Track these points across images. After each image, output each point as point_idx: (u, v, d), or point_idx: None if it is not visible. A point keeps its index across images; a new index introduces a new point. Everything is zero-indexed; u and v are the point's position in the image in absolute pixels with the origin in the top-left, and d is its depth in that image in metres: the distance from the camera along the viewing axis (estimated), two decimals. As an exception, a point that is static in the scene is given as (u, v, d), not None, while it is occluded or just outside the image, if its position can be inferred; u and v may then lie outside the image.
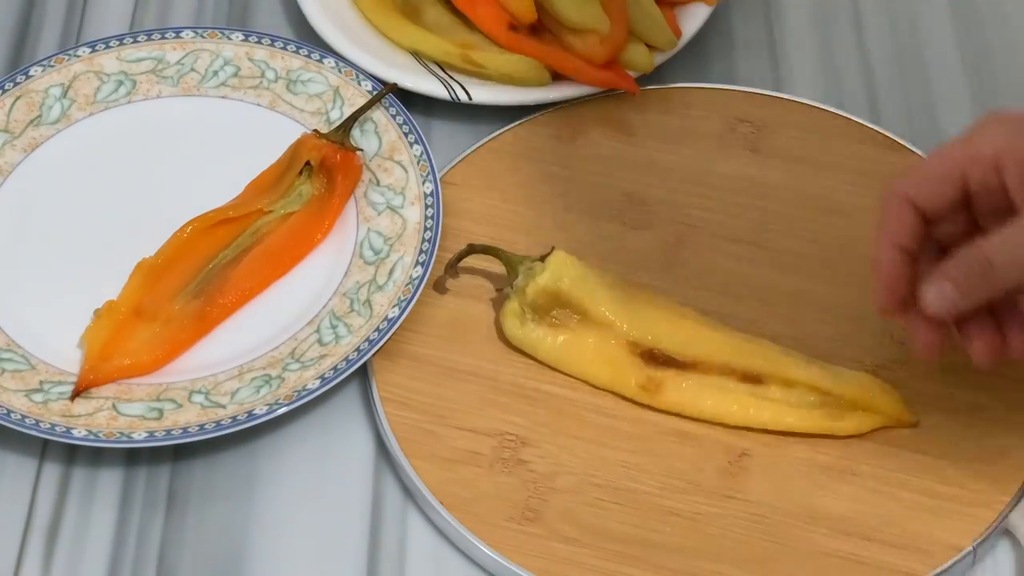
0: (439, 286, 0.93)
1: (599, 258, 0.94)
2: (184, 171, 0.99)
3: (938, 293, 0.79)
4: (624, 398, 0.88)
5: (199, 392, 0.88)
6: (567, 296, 0.89)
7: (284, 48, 1.03)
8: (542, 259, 0.90)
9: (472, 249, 0.90)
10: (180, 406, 0.87)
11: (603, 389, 0.88)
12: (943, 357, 0.83)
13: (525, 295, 0.89)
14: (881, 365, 0.89)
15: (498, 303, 0.91)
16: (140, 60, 1.02)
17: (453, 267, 0.90)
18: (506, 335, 0.90)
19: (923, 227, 0.81)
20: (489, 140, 1.00)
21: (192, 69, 1.02)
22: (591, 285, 0.89)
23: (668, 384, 0.87)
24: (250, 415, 0.86)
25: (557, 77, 1.02)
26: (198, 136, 1.00)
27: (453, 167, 0.99)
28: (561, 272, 0.89)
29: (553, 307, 0.89)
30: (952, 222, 0.81)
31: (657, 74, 1.03)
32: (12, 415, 0.86)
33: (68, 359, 0.89)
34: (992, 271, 0.78)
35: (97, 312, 0.90)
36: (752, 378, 0.87)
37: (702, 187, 0.98)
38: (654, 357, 0.88)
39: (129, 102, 1.01)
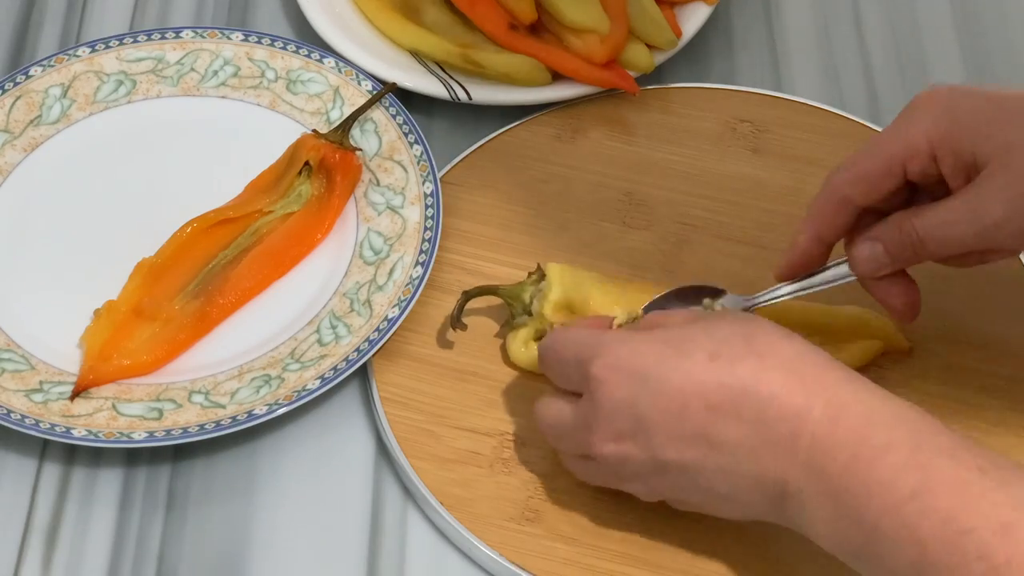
0: (439, 286, 0.93)
1: (599, 258, 0.94)
2: (184, 171, 0.99)
3: (870, 253, 0.83)
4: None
5: (199, 392, 0.88)
6: (574, 305, 0.89)
7: (284, 48, 1.02)
8: (539, 279, 0.89)
9: (468, 296, 0.89)
10: (180, 406, 0.87)
11: None
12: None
13: (545, 315, 0.88)
14: (882, 365, 0.89)
15: (497, 312, 0.91)
16: (140, 60, 1.02)
17: (459, 321, 0.89)
18: (515, 361, 0.89)
19: (854, 219, 0.84)
20: (489, 140, 1.00)
21: (192, 69, 1.02)
22: (585, 291, 0.89)
23: None
24: (250, 415, 0.86)
25: (557, 77, 1.02)
26: (198, 136, 1.00)
27: (453, 167, 0.99)
28: (564, 281, 0.89)
29: (567, 319, 0.89)
30: (891, 200, 0.83)
31: (657, 74, 1.03)
32: (12, 415, 0.86)
33: (68, 359, 0.89)
34: (921, 245, 0.81)
35: (97, 312, 0.90)
36: None
37: (702, 187, 0.98)
38: None
39: (129, 102, 1.01)
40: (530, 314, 0.89)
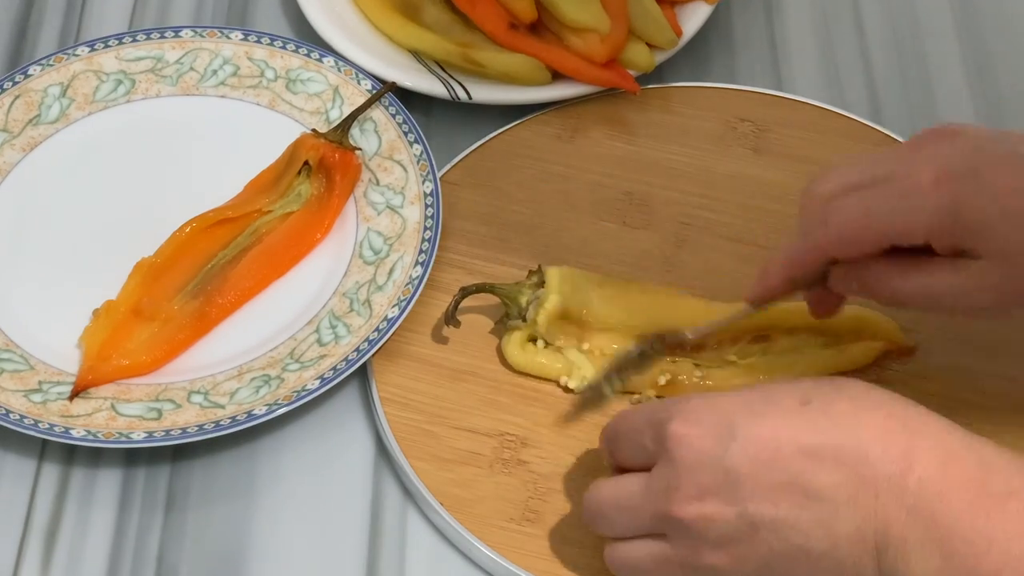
0: (439, 286, 0.93)
1: (599, 258, 0.94)
2: (183, 171, 0.99)
3: (845, 284, 0.81)
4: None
5: (198, 392, 0.88)
6: (571, 312, 0.89)
7: (283, 47, 1.02)
8: (538, 284, 0.89)
9: (465, 292, 0.89)
10: (179, 406, 0.87)
11: (626, 394, 0.88)
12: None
13: (538, 324, 0.88)
14: (883, 365, 0.89)
15: (496, 309, 0.91)
16: (139, 59, 1.02)
17: (452, 318, 0.88)
18: (512, 363, 0.89)
19: (827, 267, 0.82)
20: (489, 140, 1.00)
21: (191, 68, 1.02)
22: (584, 295, 0.89)
23: (683, 374, 0.88)
24: (249, 415, 0.86)
25: (557, 76, 1.02)
26: (197, 136, 1.00)
27: (453, 167, 0.99)
28: (562, 289, 0.89)
29: (562, 327, 0.89)
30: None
31: (657, 73, 1.03)
32: (11, 415, 0.86)
33: (67, 359, 0.89)
34: (901, 300, 0.80)
35: (96, 312, 0.90)
36: (761, 338, 0.89)
37: (702, 187, 0.98)
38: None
39: (128, 101, 1.01)
40: (524, 319, 0.89)
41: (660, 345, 0.85)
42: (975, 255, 0.77)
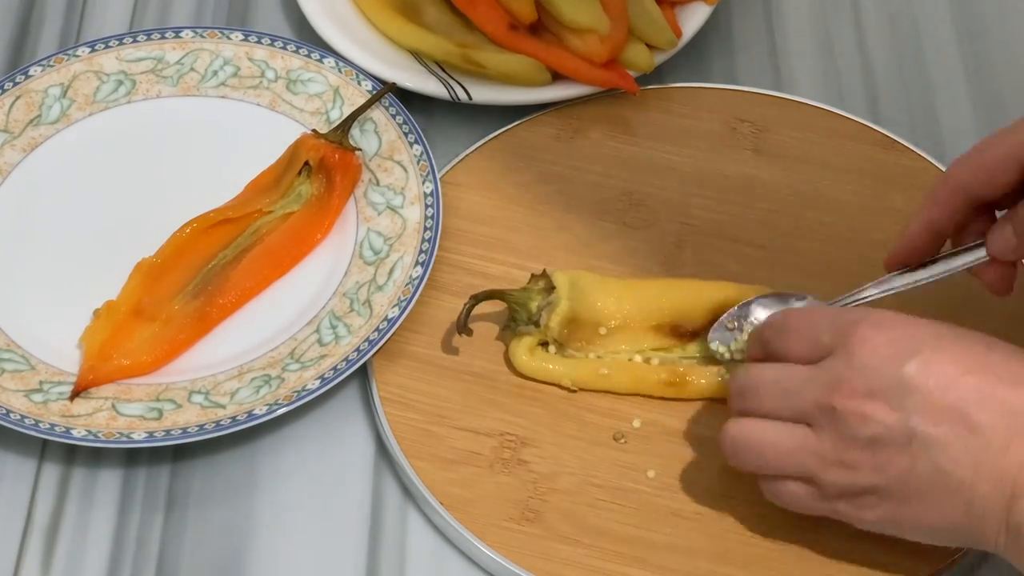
0: (439, 286, 0.93)
1: (599, 258, 0.94)
2: (184, 171, 0.99)
3: (999, 234, 0.83)
4: (651, 397, 0.88)
5: (199, 392, 0.88)
6: (581, 315, 0.89)
7: (284, 48, 1.02)
8: (546, 289, 0.89)
9: (476, 300, 0.88)
10: (180, 406, 0.87)
11: (628, 394, 0.88)
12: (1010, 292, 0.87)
13: (551, 330, 0.88)
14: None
15: (499, 314, 0.91)
16: (140, 60, 1.02)
17: (465, 327, 0.88)
18: (520, 369, 0.89)
19: (970, 211, 0.84)
20: (489, 140, 1.00)
21: (192, 69, 1.02)
22: (592, 295, 0.89)
23: (691, 374, 0.88)
24: (250, 415, 0.86)
25: (557, 77, 1.02)
26: (198, 136, 1.00)
27: (453, 167, 0.99)
28: (571, 293, 0.89)
29: (573, 330, 0.89)
30: (1010, 195, 0.83)
31: (657, 74, 1.03)
32: (12, 415, 0.86)
33: (68, 359, 0.89)
34: None
35: (96, 312, 0.90)
36: None
37: (702, 187, 0.98)
38: (678, 330, 0.89)
39: (129, 102, 1.01)
40: (536, 324, 0.88)
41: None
42: None
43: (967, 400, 0.74)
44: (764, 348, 0.81)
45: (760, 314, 0.88)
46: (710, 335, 0.88)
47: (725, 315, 0.89)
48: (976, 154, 0.83)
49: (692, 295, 0.90)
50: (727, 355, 0.88)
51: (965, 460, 0.74)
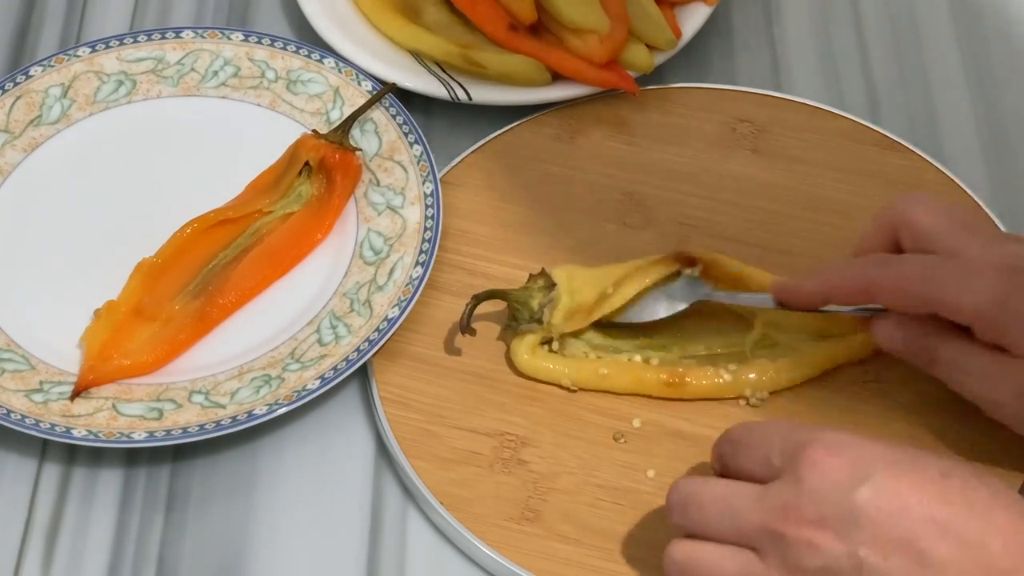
0: (439, 286, 0.93)
1: (599, 258, 0.94)
2: (184, 171, 0.99)
3: (888, 333, 0.85)
4: (651, 397, 0.88)
5: (199, 392, 0.88)
6: (583, 307, 0.89)
7: (284, 48, 1.03)
8: (546, 286, 0.89)
9: (478, 300, 0.88)
10: (180, 406, 0.87)
11: (628, 394, 0.88)
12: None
13: (555, 326, 0.88)
14: (882, 365, 0.89)
15: (500, 313, 0.91)
16: (140, 60, 1.02)
17: (468, 327, 0.88)
18: (521, 368, 0.89)
19: (863, 303, 0.85)
20: (489, 140, 1.00)
21: (192, 69, 1.02)
22: (591, 287, 0.89)
23: (690, 375, 0.88)
24: (250, 415, 0.86)
25: (557, 77, 1.02)
26: (198, 136, 1.00)
27: (453, 167, 0.99)
28: (571, 287, 0.89)
29: (576, 324, 0.89)
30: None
31: (657, 74, 1.03)
32: (12, 415, 0.86)
33: (68, 359, 0.89)
34: (932, 365, 0.84)
35: (97, 312, 0.90)
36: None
37: (702, 187, 0.98)
38: (680, 256, 0.90)
39: (129, 102, 1.01)
40: (540, 322, 0.88)
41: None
42: (1013, 351, 0.80)
43: (919, 532, 0.70)
44: (720, 461, 0.78)
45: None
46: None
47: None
48: (902, 281, 0.82)
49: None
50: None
51: None
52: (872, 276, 0.83)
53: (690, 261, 0.90)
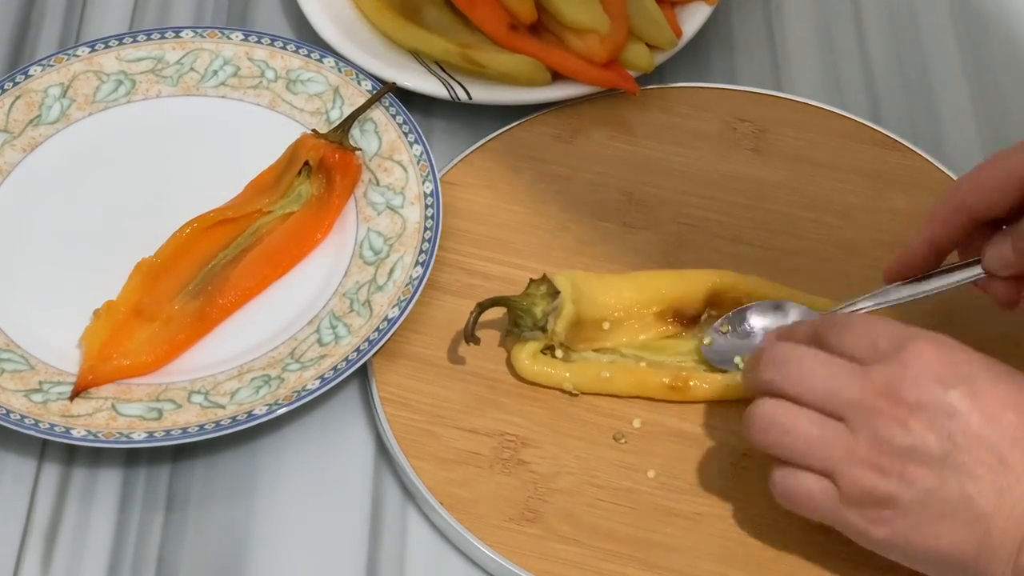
0: (439, 286, 0.93)
1: (599, 258, 0.94)
2: (184, 171, 0.99)
3: (995, 250, 0.84)
4: (654, 400, 0.88)
5: (199, 392, 0.88)
6: (586, 314, 0.89)
7: (284, 48, 1.02)
8: (549, 293, 0.89)
9: (482, 308, 0.88)
10: (180, 406, 0.87)
11: (631, 397, 0.88)
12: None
13: (558, 334, 0.88)
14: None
15: (501, 317, 0.91)
16: (140, 60, 1.02)
17: (472, 336, 0.87)
18: (522, 374, 0.89)
19: (972, 229, 0.85)
20: (489, 140, 1.00)
21: (192, 69, 1.02)
22: (593, 293, 0.89)
23: (693, 377, 0.88)
24: (250, 415, 0.86)
25: (557, 77, 1.02)
26: (198, 136, 1.00)
27: (453, 167, 0.99)
28: (574, 295, 0.88)
29: (579, 331, 0.89)
30: (1012, 213, 0.84)
31: (657, 74, 1.03)
32: (11, 415, 0.86)
33: (67, 359, 0.89)
34: None
35: (96, 312, 0.90)
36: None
37: (702, 187, 0.98)
38: (680, 315, 0.89)
39: (128, 102, 1.01)
40: (544, 330, 0.88)
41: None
42: None
43: (1004, 437, 0.74)
44: (815, 340, 0.80)
45: (756, 321, 0.89)
46: (706, 342, 0.89)
47: (719, 320, 0.89)
48: (976, 174, 0.83)
49: (691, 280, 0.90)
50: (739, 365, 0.88)
51: (991, 493, 0.74)
52: (953, 188, 0.84)
53: (694, 320, 0.90)
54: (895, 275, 0.88)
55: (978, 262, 0.85)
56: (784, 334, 0.82)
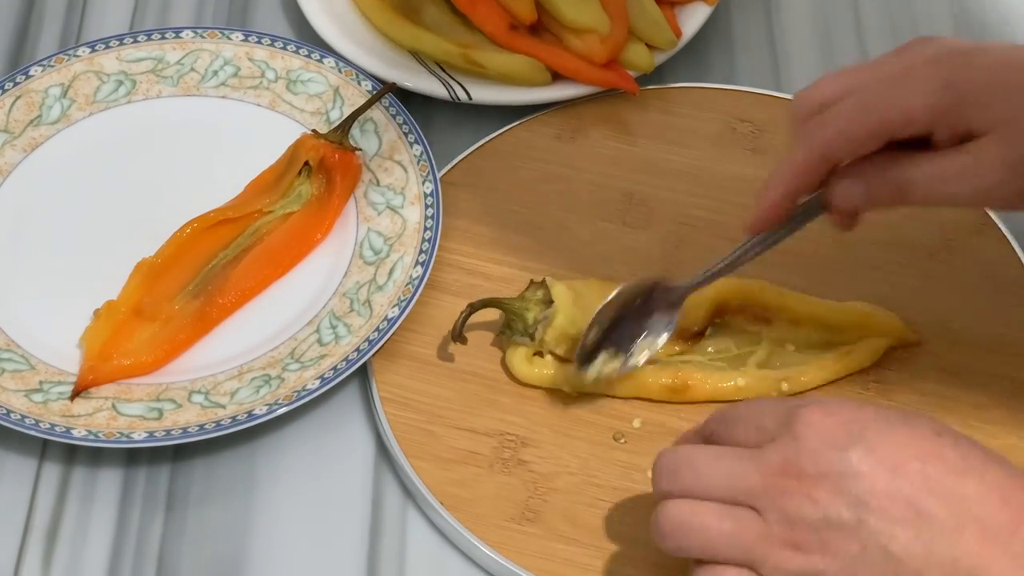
0: (439, 286, 0.93)
1: (599, 258, 0.94)
2: (184, 171, 0.99)
3: (847, 191, 0.81)
4: (652, 401, 0.88)
5: (199, 392, 0.88)
6: (579, 325, 0.88)
7: (284, 48, 1.03)
8: (543, 299, 0.89)
9: (472, 309, 0.88)
10: (180, 406, 0.87)
11: (630, 398, 0.88)
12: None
13: (546, 343, 0.88)
14: (882, 365, 0.89)
15: (495, 313, 0.91)
16: (140, 60, 1.02)
17: (460, 335, 0.87)
18: (519, 376, 0.89)
19: (828, 173, 0.82)
20: (489, 140, 1.00)
21: (192, 69, 1.02)
22: (588, 301, 0.89)
23: (693, 378, 0.88)
24: (250, 415, 0.86)
25: (557, 77, 1.02)
26: (198, 136, 1.00)
27: (453, 167, 0.99)
28: (568, 307, 0.88)
29: (569, 342, 0.88)
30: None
31: (657, 74, 1.03)
32: (12, 415, 0.86)
33: (68, 359, 0.89)
34: (905, 194, 0.80)
35: (97, 312, 0.90)
36: (762, 318, 0.90)
37: (702, 187, 0.98)
38: (685, 332, 0.89)
39: (129, 102, 1.01)
40: (532, 337, 0.88)
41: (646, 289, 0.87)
42: (979, 132, 0.77)
43: (915, 487, 0.71)
44: (705, 439, 0.78)
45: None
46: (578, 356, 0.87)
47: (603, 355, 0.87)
48: (838, 123, 0.80)
49: (691, 301, 0.89)
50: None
51: (916, 547, 0.71)
52: (816, 140, 0.80)
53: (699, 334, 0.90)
54: (758, 229, 0.84)
55: (817, 206, 0.83)
56: (675, 443, 0.80)
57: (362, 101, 0.99)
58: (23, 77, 1.00)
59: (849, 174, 0.81)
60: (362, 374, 0.90)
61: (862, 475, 0.72)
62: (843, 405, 0.74)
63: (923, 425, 0.73)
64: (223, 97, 1.02)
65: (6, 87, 1.00)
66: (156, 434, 0.85)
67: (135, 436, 0.85)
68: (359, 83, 1.01)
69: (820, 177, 0.82)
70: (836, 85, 0.81)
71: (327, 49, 1.03)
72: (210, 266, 0.93)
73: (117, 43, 1.02)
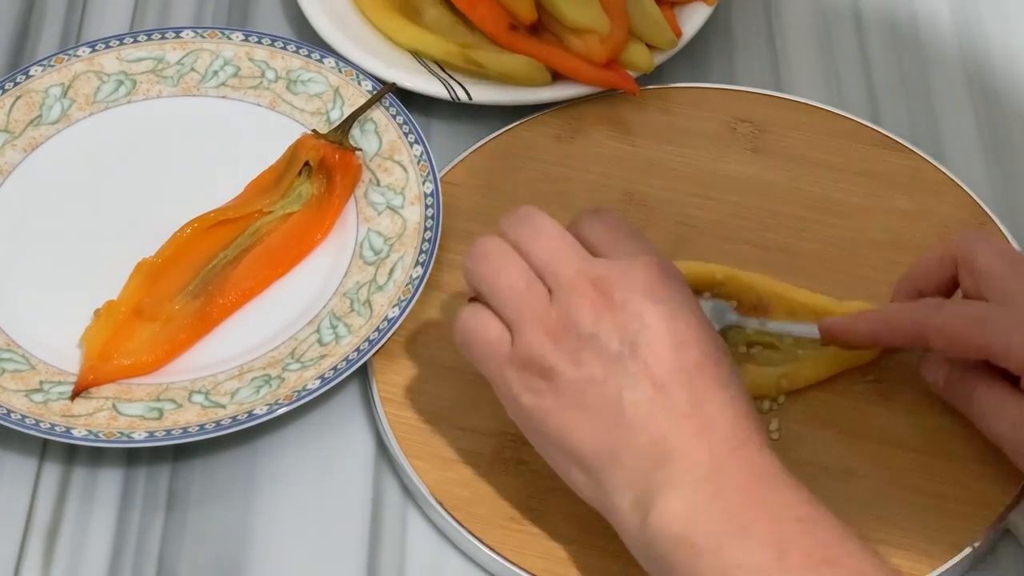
0: (439, 286, 0.93)
1: (599, 258, 0.94)
2: (184, 171, 0.99)
3: (931, 371, 0.86)
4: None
5: (199, 392, 0.88)
6: None
7: (284, 48, 1.03)
8: None
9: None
10: (180, 406, 0.87)
11: None
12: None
13: None
14: (881, 364, 0.89)
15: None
16: (140, 60, 1.02)
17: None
18: None
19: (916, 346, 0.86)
20: (489, 140, 1.00)
21: (192, 69, 1.02)
22: None
23: None
24: (250, 415, 0.86)
25: (557, 77, 1.02)
26: (198, 136, 1.00)
27: (453, 167, 0.99)
28: None
29: None
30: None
31: (657, 74, 1.03)
32: (12, 415, 0.86)
33: (68, 359, 0.89)
34: (971, 405, 0.84)
35: (97, 312, 0.90)
36: (761, 308, 0.90)
37: (702, 187, 0.98)
38: None
39: (129, 102, 1.01)
40: None
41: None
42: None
43: (679, 365, 0.75)
44: (573, 223, 0.82)
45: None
46: None
47: None
48: (955, 326, 0.82)
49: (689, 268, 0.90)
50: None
51: (644, 408, 0.74)
52: (926, 321, 0.83)
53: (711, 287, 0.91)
54: (828, 335, 0.87)
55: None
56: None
57: (362, 101, 0.99)
58: (23, 77, 1.01)
59: (941, 359, 0.85)
60: (362, 374, 0.90)
61: (650, 328, 0.75)
62: (681, 276, 0.78)
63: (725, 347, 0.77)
64: (223, 97, 1.02)
65: (6, 87, 1.00)
66: (156, 434, 0.85)
67: (135, 436, 0.85)
68: (359, 83, 1.01)
69: (905, 342, 0.85)
70: (989, 265, 0.83)
71: (327, 49, 1.03)
72: (210, 266, 0.93)
73: (117, 43, 1.03)
